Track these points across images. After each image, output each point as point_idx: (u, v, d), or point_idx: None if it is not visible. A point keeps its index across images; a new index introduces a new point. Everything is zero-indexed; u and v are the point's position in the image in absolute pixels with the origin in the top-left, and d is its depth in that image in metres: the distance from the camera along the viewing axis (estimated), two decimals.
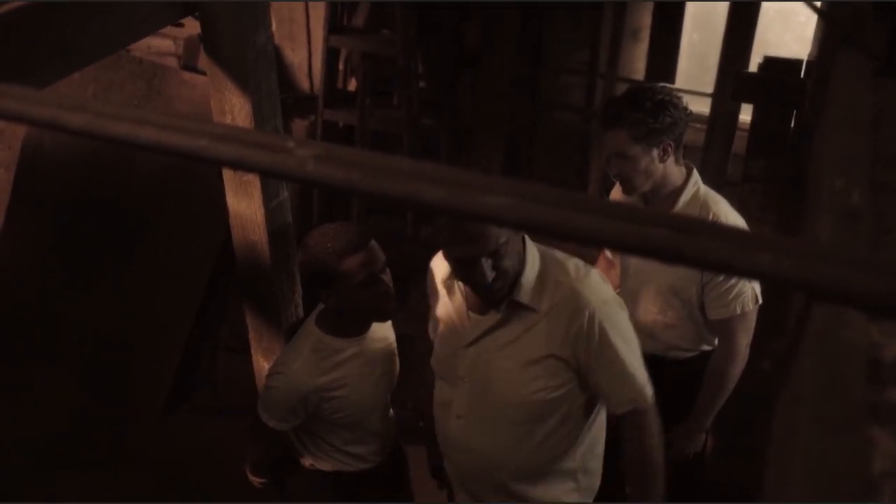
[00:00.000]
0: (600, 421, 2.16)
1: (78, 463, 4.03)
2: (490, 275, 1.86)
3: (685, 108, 2.36)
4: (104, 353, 4.42)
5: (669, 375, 2.51)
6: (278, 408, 2.21)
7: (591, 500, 2.21)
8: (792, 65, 3.43)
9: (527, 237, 1.99)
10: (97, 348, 4.43)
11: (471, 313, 2.04)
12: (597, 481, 2.21)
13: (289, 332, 2.34)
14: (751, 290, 2.40)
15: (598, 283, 1.99)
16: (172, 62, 5.02)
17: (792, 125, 3.45)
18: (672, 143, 2.33)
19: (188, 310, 4.33)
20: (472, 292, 2.01)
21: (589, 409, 2.08)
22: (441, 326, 2.17)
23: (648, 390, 1.99)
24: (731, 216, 2.40)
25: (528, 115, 4.02)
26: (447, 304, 2.12)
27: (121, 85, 4.74)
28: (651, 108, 2.27)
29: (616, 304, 2.01)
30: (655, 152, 2.32)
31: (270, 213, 2.09)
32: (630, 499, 2.04)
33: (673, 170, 2.39)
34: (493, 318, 1.99)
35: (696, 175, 2.45)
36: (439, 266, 2.16)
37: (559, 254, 2.03)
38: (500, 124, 3.83)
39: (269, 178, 1.95)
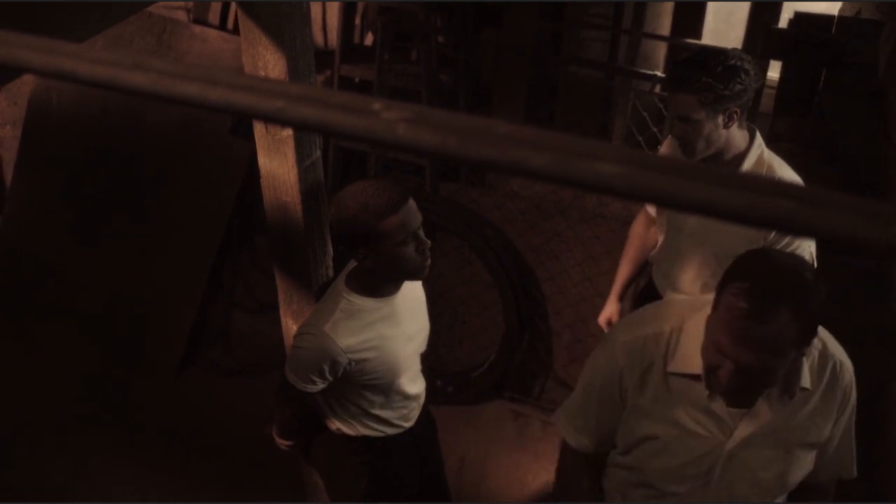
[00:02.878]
0: None
1: (91, 421, 4.03)
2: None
3: (756, 74, 2.26)
4: (118, 310, 4.40)
5: None
6: (307, 370, 2.17)
7: None
8: (823, 21, 3.35)
9: None
10: (110, 306, 4.41)
11: (731, 409, 1.76)
12: None
13: (318, 293, 2.30)
14: (809, 255, 2.34)
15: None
16: (182, 16, 4.91)
17: (821, 83, 3.39)
18: (739, 110, 2.26)
19: (202, 267, 4.30)
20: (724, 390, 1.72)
21: None
22: (662, 433, 1.82)
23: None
24: (796, 181, 2.34)
25: (549, 71, 3.94)
26: (677, 402, 1.79)
27: (129, 39, 4.65)
28: (722, 73, 2.18)
29: None
30: (721, 119, 2.25)
31: (303, 172, 2.03)
32: None
33: (736, 134, 2.33)
34: (768, 410, 1.74)
35: (759, 138, 2.38)
36: (645, 354, 1.80)
37: None
38: (521, 80, 3.76)
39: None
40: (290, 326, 2.36)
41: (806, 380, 1.72)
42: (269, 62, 1.83)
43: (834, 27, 3.31)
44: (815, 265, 2.36)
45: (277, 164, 2.01)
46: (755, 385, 1.67)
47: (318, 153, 2.10)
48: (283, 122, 0.82)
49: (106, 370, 4.27)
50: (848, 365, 1.80)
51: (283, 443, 2.49)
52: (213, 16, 4.85)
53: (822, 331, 1.76)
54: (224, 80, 0.82)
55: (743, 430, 1.76)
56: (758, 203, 0.67)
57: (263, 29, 1.79)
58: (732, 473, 1.80)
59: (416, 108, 0.77)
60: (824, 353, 1.77)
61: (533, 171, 0.73)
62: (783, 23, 3.60)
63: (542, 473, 3.72)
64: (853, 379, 1.80)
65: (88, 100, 4.49)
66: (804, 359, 1.70)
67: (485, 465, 3.79)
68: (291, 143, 1.95)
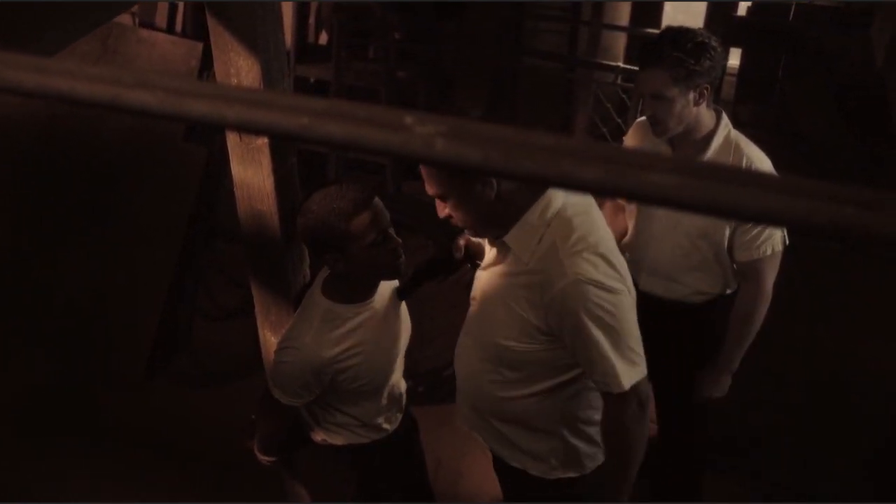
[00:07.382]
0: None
1: (56, 433, 3.91)
2: (442, 212, 1.92)
3: (723, 52, 2.33)
4: (79, 321, 4.27)
5: (691, 320, 2.60)
6: (292, 383, 2.12)
7: (591, 466, 2.12)
8: (781, 8, 3.39)
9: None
10: (71, 317, 4.28)
11: (489, 239, 2.05)
12: (599, 451, 2.11)
13: (296, 302, 2.24)
14: (780, 231, 2.40)
15: (591, 262, 1.80)
16: (127, 19, 4.78)
17: (780, 70, 3.42)
18: (708, 87, 2.30)
19: (163, 274, 4.20)
20: None
21: (571, 373, 1.97)
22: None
23: (624, 380, 1.83)
24: (763, 160, 2.38)
25: (510, 64, 3.92)
26: None
27: (73, 46, 4.49)
28: (692, 49, 2.23)
29: (600, 287, 1.79)
30: (692, 95, 2.29)
31: (279, 180, 1.97)
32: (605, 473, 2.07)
33: (705, 114, 2.37)
34: (500, 256, 1.98)
35: (725, 118, 2.43)
36: None
37: (589, 221, 1.88)
38: (482, 74, 3.73)
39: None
40: (268, 338, 2.30)
41: (511, 238, 1.87)
42: (242, 68, 1.76)
43: (791, 14, 3.35)
44: (787, 241, 2.45)
45: (252, 172, 1.94)
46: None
47: (293, 160, 2.04)
48: (308, 140, 0.77)
49: (69, 380, 4.15)
50: (563, 271, 1.80)
51: (265, 459, 2.43)
52: (161, 18, 4.73)
53: (567, 228, 1.84)
54: (240, 97, 0.77)
55: (486, 258, 2.03)
56: (821, 210, 0.65)
57: (235, 34, 1.72)
58: (478, 300, 2.06)
59: (450, 120, 0.72)
60: (543, 231, 1.84)
61: (584, 184, 0.70)
62: (742, 11, 3.63)
63: None
64: (564, 290, 1.79)
65: (35, 107, 4.34)
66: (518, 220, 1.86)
67: (460, 464, 3.76)
68: (267, 152, 1.89)
